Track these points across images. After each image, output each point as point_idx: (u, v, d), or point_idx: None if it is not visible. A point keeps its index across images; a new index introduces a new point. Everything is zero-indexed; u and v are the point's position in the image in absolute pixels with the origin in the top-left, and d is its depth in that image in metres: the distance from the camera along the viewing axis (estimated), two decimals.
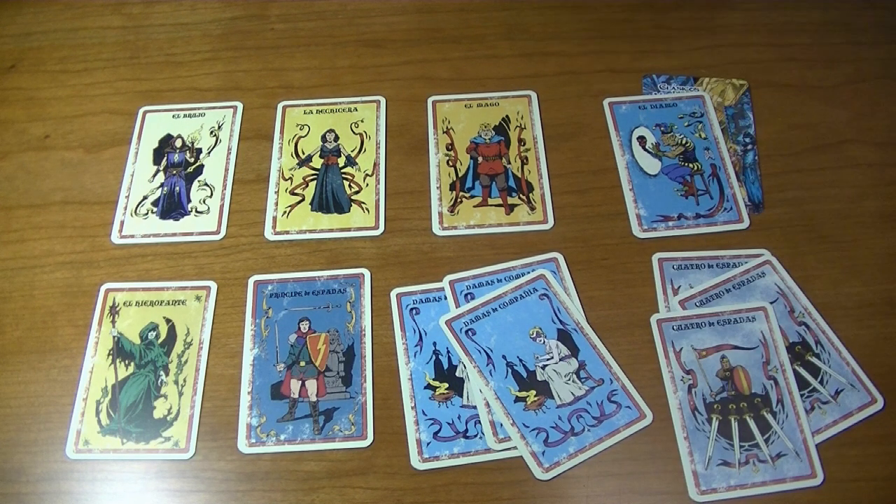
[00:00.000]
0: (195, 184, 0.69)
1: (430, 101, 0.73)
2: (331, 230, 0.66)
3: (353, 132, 0.72)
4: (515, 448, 0.56)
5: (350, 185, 0.68)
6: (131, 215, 0.68)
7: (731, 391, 0.57)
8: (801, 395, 0.56)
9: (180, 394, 0.59)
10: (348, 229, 0.66)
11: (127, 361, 0.60)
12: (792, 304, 0.60)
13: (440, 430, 0.57)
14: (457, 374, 0.59)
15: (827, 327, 0.59)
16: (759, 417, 0.56)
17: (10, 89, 0.76)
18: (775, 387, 0.57)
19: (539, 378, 0.58)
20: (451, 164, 0.69)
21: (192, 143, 0.71)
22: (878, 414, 0.56)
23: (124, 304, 0.63)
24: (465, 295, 0.62)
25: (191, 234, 0.66)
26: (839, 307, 0.61)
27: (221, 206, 0.68)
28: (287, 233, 0.66)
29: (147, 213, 0.68)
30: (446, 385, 0.59)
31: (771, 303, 0.60)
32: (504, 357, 0.59)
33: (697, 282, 0.62)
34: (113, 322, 0.62)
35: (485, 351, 0.59)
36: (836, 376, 0.57)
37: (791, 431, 0.55)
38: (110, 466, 0.57)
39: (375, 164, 0.69)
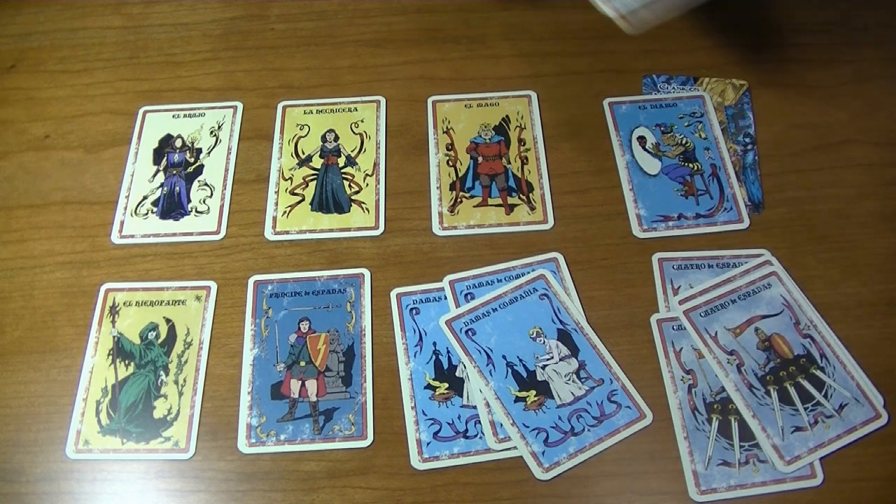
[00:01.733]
0: (195, 184, 0.69)
1: (430, 101, 0.73)
2: (331, 230, 0.66)
3: (353, 132, 0.72)
4: (515, 448, 0.56)
5: (350, 185, 0.68)
6: (131, 215, 0.68)
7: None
8: (805, 409, 0.56)
9: (180, 394, 0.59)
10: (348, 229, 0.66)
11: (127, 361, 0.61)
12: (798, 317, 0.60)
13: (440, 430, 0.57)
14: (457, 374, 0.59)
15: (832, 340, 0.59)
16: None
17: (10, 89, 0.76)
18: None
19: (539, 378, 0.58)
20: (451, 164, 0.69)
21: (192, 143, 0.71)
22: (881, 429, 0.56)
23: (124, 304, 0.63)
24: (465, 295, 0.62)
25: (191, 234, 0.66)
26: (839, 307, 0.61)
27: (221, 206, 0.68)
28: (287, 233, 0.66)
29: (147, 213, 0.68)
30: (446, 385, 0.59)
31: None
32: (504, 357, 0.59)
33: (697, 282, 0.62)
34: (113, 322, 0.62)
35: (485, 351, 0.59)
36: (840, 390, 0.57)
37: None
38: (110, 466, 0.57)
39: (375, 164, 0.69)
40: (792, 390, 0.57)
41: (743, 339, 0.59)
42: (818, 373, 0.57)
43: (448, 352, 0.60)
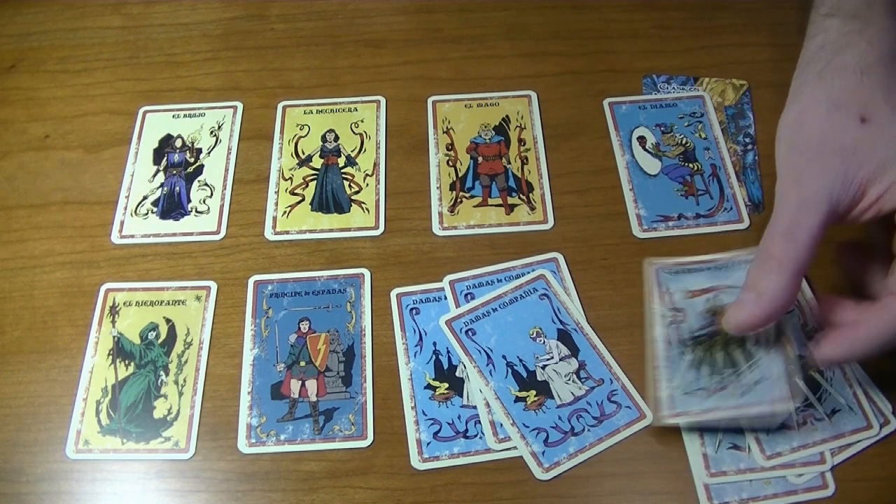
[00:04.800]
0: (195, 184, 0.69)
1: (430, 101, 0.73)
2: (331, 230, 0.66)
3: (353, 132, 0.72)
4: (515, 448, 0.56)
5: (350, 185, 0.68)
6: (131, 215, 0.68)
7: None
8: (796, 409, 0.55)
9: (180, 394, 0.59)
10: (348, 229, 0.66)
11: (127, 361, 0.61)
12: (807, 318, 0.59)
13: (440, 430, 0.57)
14: (457, 374, 0.59)
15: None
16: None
17: (10, 89, 0.76)
18: None
19: (539, 378, 0.58)
20: (451, 164, 0.69)
21: (192, 143, 0.71)
22: (872, 438, 0.55)
23: (124, 304, 0.63)
24: (465, 295, 0.62)
25: (191, 234, 0.66)
26: None
27: (221, 206, 0.68)
28: (287, 233, 0.66)
29: (147, 213, 0.68)
30: (446, 385, 0.59)
31: (787, 312, 0.59)
32: (504, 357, 0.59)
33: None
34: (113, 322, 0.62)
35: (485, 351, 0.59)
36: (835, 395, 0.56)
37: (840, 387, 0.56)
38: (110, 466, 0.57)
39: (375, 164, 0.69)
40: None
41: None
42: (815, 375, 0.57)
43: (448, 352, 0.60)
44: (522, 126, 0.71)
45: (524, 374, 0.58)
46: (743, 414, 0.53)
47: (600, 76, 0.74)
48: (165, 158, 0.71)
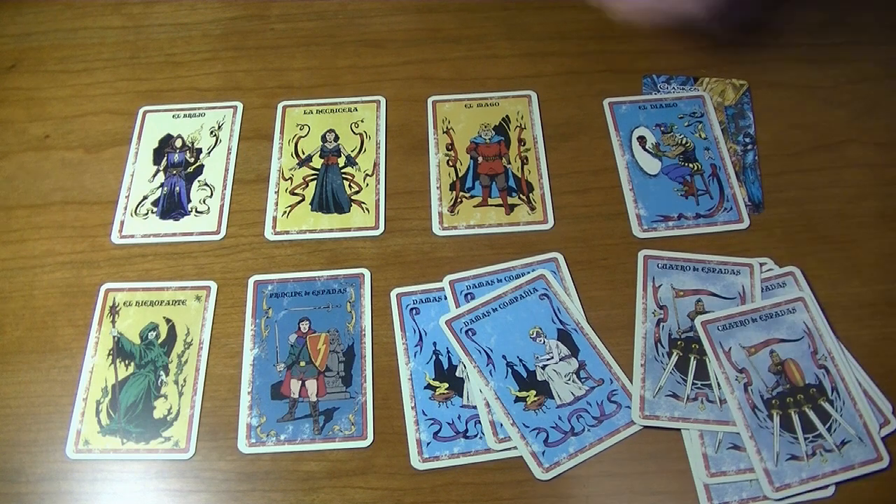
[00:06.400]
0: (195, 184, 0.69)
1: (430, 101, 0.73)
2: (331, 230, 0.66)
3: (353, 132, 0.72)
4: (515, 448, 0.56)
5: (350, 185, 0.68)
6: (131, 215, 0.68)
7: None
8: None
9: (180, 394, 0.59)
10: (348, 229, 0.66)
11: (127, 361, 0.61)
12: (816, 346, 0.58)
13: (440, 430, 0.57)
14: (457, 374, 0.59)
15: (847, 374, 0.57)
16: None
17: (10, 89, 0.76)
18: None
19: (539, 378, 0.58)
20: (451, 164, 0.69)
21: (192, 143, 0.71)
22: (882, 472, 0.54)
23: (124, 304, 0.63)
24: (465, 295, 0.62)
25: (191, 234, 0.66)
26: (839, 307, 0.61)
27: (221, 206, 0.68)
28: (287, 233, 0.66)
29: (147, 213, 0.68)
30: (446, 385, 0.59)
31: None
32: (504, 357, 0.59)
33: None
34: (113, 322, 0.62)
35: (485, 351, 0.59)
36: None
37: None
38: (110, 466, 0.57)
39: (375, 164, 0.69)
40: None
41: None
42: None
43: (448, 352, 0.60)
44: (522, 126, 0.71)
45: (524, 374, 0.58)
46: (710, 429, 0.55)
47: (600, 76, 0.74)
48: (165, 158, 0.71)
